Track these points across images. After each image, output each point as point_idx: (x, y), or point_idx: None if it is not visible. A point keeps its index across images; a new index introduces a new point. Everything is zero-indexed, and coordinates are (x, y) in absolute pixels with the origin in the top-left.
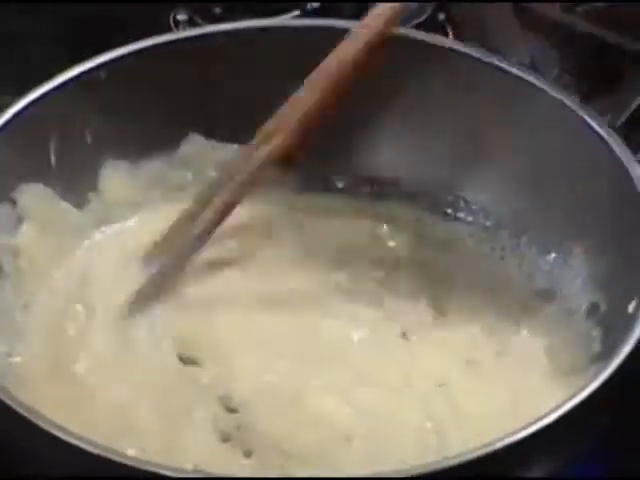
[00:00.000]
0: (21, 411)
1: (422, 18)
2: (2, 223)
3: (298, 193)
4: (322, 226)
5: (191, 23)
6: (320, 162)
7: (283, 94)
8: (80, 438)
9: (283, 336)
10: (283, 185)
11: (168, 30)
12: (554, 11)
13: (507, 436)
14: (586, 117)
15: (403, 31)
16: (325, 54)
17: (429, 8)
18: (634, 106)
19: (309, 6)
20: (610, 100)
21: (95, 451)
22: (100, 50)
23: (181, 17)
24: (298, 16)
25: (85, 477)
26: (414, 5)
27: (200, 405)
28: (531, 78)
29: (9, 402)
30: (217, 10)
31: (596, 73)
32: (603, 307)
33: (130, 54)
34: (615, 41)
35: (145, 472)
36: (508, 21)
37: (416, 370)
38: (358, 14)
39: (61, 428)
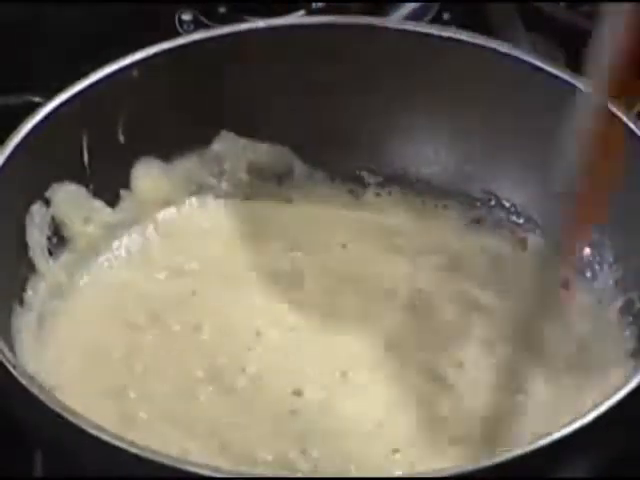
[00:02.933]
0: (68, 416)
1: (427, 18)
2: (36, 222)
3: (326, 189)
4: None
5: (196, 23)
6: (349, 159)
7: (316, 93)
8: (119, 438)
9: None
10: (310, 180)
11: (173, 30)
12: (558, 10)
13: (544, 436)
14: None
15: (434, 29)
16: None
17: (434, 8)
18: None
19: (314, 6)
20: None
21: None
22: (101, 50)
23: (186, 17)
24: (303, 16)
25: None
26: (418, 5)
27: None
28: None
29: (50, 404)
30: (222, 10)
31: None
32: (638, 304)
33: (162, 52)
34: None
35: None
36: (512, 20)
37: None
38: (364, 14)
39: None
